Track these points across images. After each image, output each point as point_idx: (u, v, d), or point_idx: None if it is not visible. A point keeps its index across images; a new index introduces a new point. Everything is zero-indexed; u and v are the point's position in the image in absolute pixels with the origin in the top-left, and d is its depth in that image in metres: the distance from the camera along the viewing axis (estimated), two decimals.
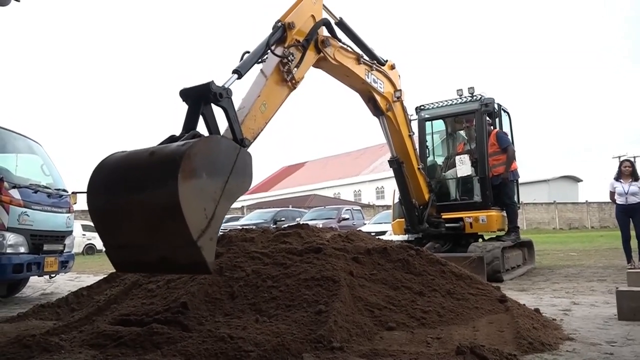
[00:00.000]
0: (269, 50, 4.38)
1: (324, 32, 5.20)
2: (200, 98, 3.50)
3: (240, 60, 4.21)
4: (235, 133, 3.73)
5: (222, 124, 3.77)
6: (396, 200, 8.58)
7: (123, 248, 3.17)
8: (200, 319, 3.41)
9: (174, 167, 2.71)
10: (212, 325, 3.29)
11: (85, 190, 3.25)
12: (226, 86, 3.65)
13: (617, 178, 8.39)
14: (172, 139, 3.35)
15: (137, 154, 3.10)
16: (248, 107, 4.10)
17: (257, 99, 4.16)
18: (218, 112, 3.68)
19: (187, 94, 3.56)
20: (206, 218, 2.89)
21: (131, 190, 2.96)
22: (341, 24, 5.58)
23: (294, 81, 4.56)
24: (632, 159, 8.79)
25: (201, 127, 3.59)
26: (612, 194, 8.42)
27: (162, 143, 3.35)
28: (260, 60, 4.39)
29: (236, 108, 4.13)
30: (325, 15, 5.24)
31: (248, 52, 4.28)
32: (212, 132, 3.69)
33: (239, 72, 4.01)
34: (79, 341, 3.28)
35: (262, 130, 4.21)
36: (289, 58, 4.50)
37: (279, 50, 4.48)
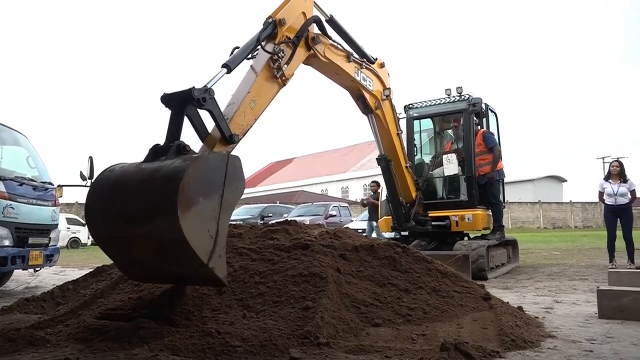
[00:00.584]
0: (259, 46, 4.38)
1: (314, 29, 5.21)
2: (183, 104, 3.49)
3: (230, 55, 4.20)
4: (222, 131, 3.74)
5: (208, 121, 3.78)
6: (383, 197, 8.63)
7: (136, 265, 3.31)
8: (188, 314, 3.42)
9: (172, 203, 2.78)
10: (199, 321, 3.30)
11: (85, 217, 3.36)
12: (209, 85, 3.64)
13: (607, 178, 8.49)
14: (156, 150, 3.34)
15: (127, 179, 3.13)
16: (237, 103, 4.10)
17: (246, 95, 4.16)
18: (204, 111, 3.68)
19: (168, 100, 3.54)
20: (211, 238, 3.01)
21: (131, 222, 3.04)
22: (332, 21, 5.59)
23: (284, 78, 4.57)
24: (620, 160, 8.84)
25: (187, 126, 3.59)
26: (601, 194, 8.50)
27: (146, 157, 3.32)
28: (250, 56, 4.39)
29: (226, 103, 4.14)
30: (316, 12, 5.25)
31: (238, 47, 4.27)
32: (199, 132, 3.72)
33: (228, 67, 4.01)
34: (65, 335, 3.27)
35: (251, 126, 4.22)
36: (279, 55, 4.51)
37: (269, 47, 4.48)
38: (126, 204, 3.04)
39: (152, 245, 3.02)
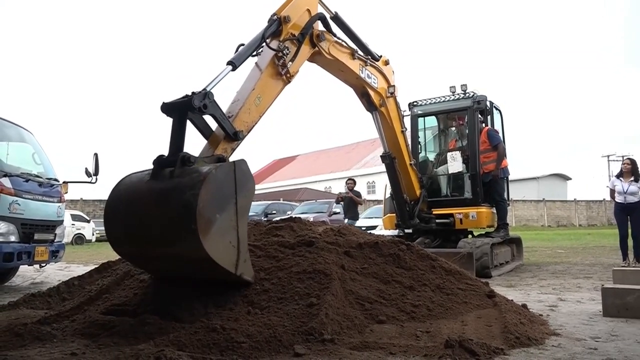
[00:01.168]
0: (264, 44, 4.39)
1: (319, 26, 5.21)
2: (184, 112, 3.52)
3: (235, 52, 4.21)
4: (225, 130, 3.77)
5: (211, 120, 3.81)
6: (387, 195, 8.63)
7: (167, 271, 3.52)
8: (193, 310, 3.43)
9: (193, 231, 2.90)
10: (204, 317, 3.31)
11: (106, 236, 3.47)
12: (210, 86, 3.65)
13: (619, 176, 8.42)
14: (160, 162, 3.36)
15: (142, 201, 3.23)
16: (242, 100, 4.11)
17: (251, 92, 4.17)
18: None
19: (169, 109, 3.56)
20: (234, 247, 3.15)
21: (156, 245, 3.17)
22: (336, 18, 5.59)
23: (288, 75, 4.57)
24: (632, 158, 8.72)
25: (189, 127, 3.62)
26: (612, 191, 8.43)
27: (154, 172, 3.32)
28: (255, 53, 4.39)
29: (231, 101, 4.15)
30: (320, 9, 5.24)
31: (243, 44, 4.28)
32: (204, 134, 3.76)
33: (234, 64, 4.02)
34: (71, 330, 3.29)
35: (256, 123, 4.23)
36: (284, 52, 4.51)
37: (274, 44, 4.49)
38: (145, 227, 3.17)
39: (180, 261, 3.18)
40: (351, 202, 11.68)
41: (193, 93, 3.49)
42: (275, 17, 4.56)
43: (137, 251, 3.36)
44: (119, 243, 3.40)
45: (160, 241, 3.11)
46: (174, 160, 3.31)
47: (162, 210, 3.07)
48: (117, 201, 3.34)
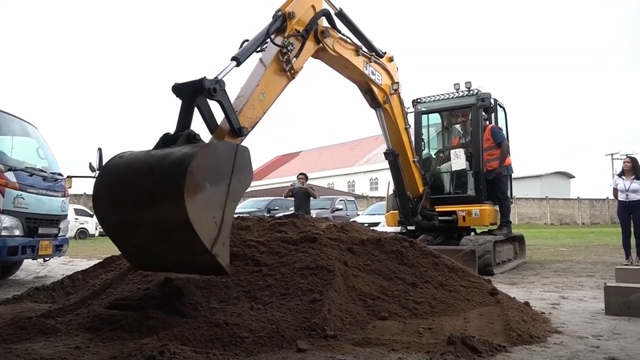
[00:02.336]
0: (268, 40, 4.38)
1: (323, 22, 5.20)
2: (194, 94, 3.51)
3: (240, 48, 4.21)
4: (232, 123, 3.75)
5: (218, 114, 3.79)
6: (390, 192, 8.63)
7: (140, 253, 3.31)
8: (196, 305, 3.46)
9: (179, 187, 2.79)
10: (207, 312, 3.33)
11: (92, 202, 3.34)
12: (220, 77, 3.64)
13: (621, 174, 8.40)
14: (166, 139, 3.37)
15: (137, 164, 3.15)
16: (247, 96, 4.11)
17: (255, 88, 4.17)
18: (214, 102, 3.70)
19: (179, 90, 3.56)
20: (216, 225, 3.00)
21: (138, 206, 3.05)
22: (341, 15, 5.57)
23: (292, 71, 4.57)
24: (632, 156, 8.69)
25: (197, 119, 3.61)
26: (614, 190, 8.40)
27: (157, 145, 3.36)
28: (259, 49, 4.39)
29: (235, 96, 4.15)
30: (325, 5, 5.23)
31: (247, 40, 4.28)
32: (209, 124, 3.73)
33: (238, 60, 4.02)
34: (75, 324, 3.32)
35: (260, 119, 4.23)
36: (289, 48, 4.51)
37: (278, 40, 4.48)
38: (134, 189, 3.06)
39: (158, 230, 3.02)
40: (305, 196, 11.13)
41: (205, 77, 3.49)
42: (279, 13, 4.56)
43: (119, 217, 3.22)
44: (104, 208, 3.28)
45: (144, 202, 3.00)
46: (178, 137, 3.31)
47: (154, 171, 2.99)
48: (112, 168, 3.27)
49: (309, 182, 12.49)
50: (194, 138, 3.34)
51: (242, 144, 3.92)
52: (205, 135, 3.73)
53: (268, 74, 4.33)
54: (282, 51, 4.45)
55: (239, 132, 3.83)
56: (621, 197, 8.22)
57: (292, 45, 4.58)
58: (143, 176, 3.04)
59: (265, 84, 4.29)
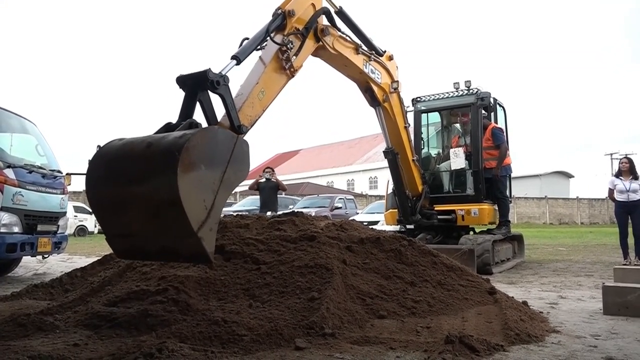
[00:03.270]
0: (268, 38, 4.38)
1: (323, 20, 5.19)
2: (197, 85, 3.50)
3: (240, 47, 4.21)
4: (232, 120, 3.74)
5: (219, 110, 3.79)
6: (390, 190, 8.63)
7: (124, 237, 3.21)
8: (195, 303, 3.45)
9: (173, 161, 2.74)
10: (206, 309, 3.34)
11: (85, 180, 3.26)
12: (223, 73, 3.65)
13: (618, 175, 8.40)
14: (168, 127, 3.35)
15: (134, 144, 3.09)
16: (246, 94, 4.10)
17: (255, 86, 4.16)
18: (215, 99, 3.70)
19: (183, 81, 3.55)
20: (205, 209, 2.93)
21: (131, 182, 2.98)
22: (341, 13, 5.56)
23: (292, 69, 4.57)
24: (629, 157, 8.71)
25: (198, 114, 3.61)
26: (611, 191, 8.39)
27: (158, 131, 3.36)
28: (259, 47, 4.39)
29: (234, 94, 4.14)
30: (325, 4, 5.23)
31: (247, 38, 4.27)
32: (209, 119, 3.70)
33: (238, 58, 4.01)
34: (74, 321, 3.32)
35: (259, 117, 4.22)
36: (288, 46, 4.50)
37: (278, 38, 4.48)
38: (129, 165, 3.00)
39: (146, 208, 2.95)
40: (273, 191, 10.43)
41: (209, 69, 3.48)
42: (279, 11, 4.55)
43: (108, 193, 3.15)
44: (94, 184, 3.20)
45: (136, 178, 2.94)
46: (180, 125, 3.30)
47: (152, 149, 2.94)
48: (109, 147, 3.21)
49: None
50: (196, 126, 3.32)
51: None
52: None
53: (267, 72, 4.32)
54: (281, 49, 4.45)
55: (238, 129, 3.83)
56: (621, 197, 8.21)
57: (292, 44, 4.57)
58: (139, 154, 2.98)
59: (265, 82, 4.28)
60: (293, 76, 4.61)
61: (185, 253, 3.05)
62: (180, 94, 3.61)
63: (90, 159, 3.31)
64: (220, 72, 3.61)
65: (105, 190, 3.16)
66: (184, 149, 2.77)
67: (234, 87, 4.22)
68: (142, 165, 2.93)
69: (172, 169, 2.73)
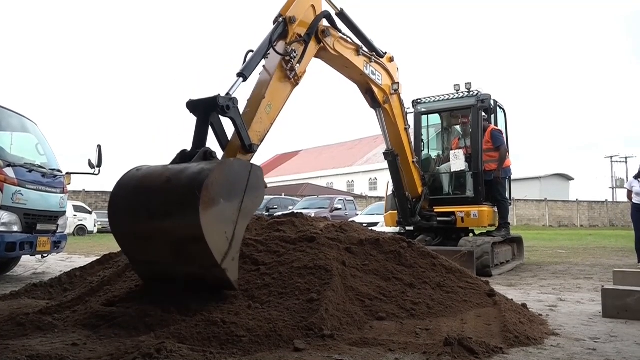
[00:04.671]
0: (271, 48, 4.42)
1: (324, 22, 5.20)
2: (208, 111, 3.64)
3: (244, 60, 4.24)
4: (243, 140, 3.85)
5: (228, 125, 3.88)
6: (389, 192, 8.63)
7: (149, 264, 3.38)
8: (193, 303, 3.44)
9: (194, 199, 2.86)
10: (205, 310, 3.33)
11: (107, 213, 3.41)
12: (232, 94, 3.77)
13: (637, 177, 8.34)
14: (183, 156, 3.49)
15: (153, 177, 3.22)
16: (254, 110, 4.18)
17: (262, 101, 4.23)
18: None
19: (194, 107, 3.69)
20: (227, 240, 3.08)
21: (153, 218, 3.11)
22: (342, 15, 5.58)
23: (296, 77, 4.62)
24: None
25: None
26: (629, 192, 8.35)
27: (174, 161, 3.48)
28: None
29: (241, 109, 4.19)
30: (325, 5, 5.24)
31: (252, 50, 4.28)
32: (221, 141, 3.87)
33: (244, 76, 4.09)
34: (72, 321, 3.31)
35: (268, 132, 4.29)
36: (292, 55, 4.53)
37: (281, 46, 4.51)
38: (150, 200, 3.13)
39: (170, 242, 3.09)
40: None
41: (219, 95, 3.62)
42: (280, 18, 4.56)
43: (132, 228, 3.28)
44: (118, 218, 3.34)
45: (159, 213, 3.07)
46: (195, 154, 3.42)
47: (171, 184, 3.07)
48: (129, 180, 3.34)
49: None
50: (210, 155, 3.46)
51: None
52: (216, 149, 3.85)
53: (273, 84, 4.37)
54: (285, 59, 4.47)
55: (249, 149, 3.92)
56: (637, 199, 8.14)
57: (295, 52, 4.60)
58: (159, 188, 3.11)
59: (271, 95, 4.32)
60: (297, 84, 4.67)
61: (210, 281, 3.25)
62: (186, 112, 3.74)
63: (112, 190, 3.45)
64: (228, 93, 3.74)
65: (128, 223, 3.30)
66: (204, 187, 2.89)
67: (242, 101, 4.28)
68: (163, 201, 3.06)
69: (194, 207, 2.86)
